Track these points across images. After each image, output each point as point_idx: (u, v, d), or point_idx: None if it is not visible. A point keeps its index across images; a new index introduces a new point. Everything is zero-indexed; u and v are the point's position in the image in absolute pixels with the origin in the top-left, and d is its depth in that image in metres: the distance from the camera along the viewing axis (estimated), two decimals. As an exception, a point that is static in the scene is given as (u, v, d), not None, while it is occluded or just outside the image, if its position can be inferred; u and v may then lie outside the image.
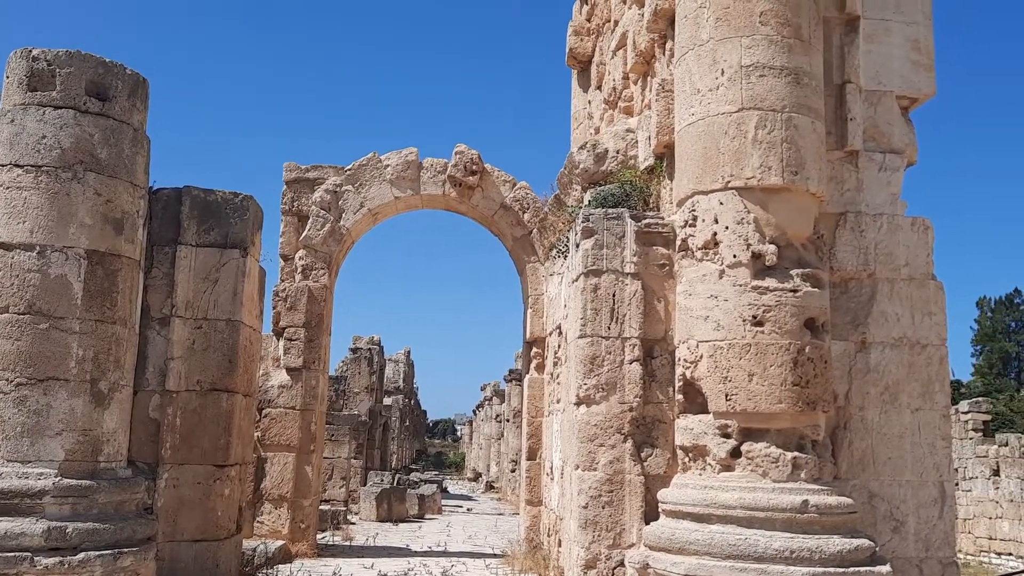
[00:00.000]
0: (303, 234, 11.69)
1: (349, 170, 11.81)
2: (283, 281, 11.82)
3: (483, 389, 44.38)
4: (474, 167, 11.63)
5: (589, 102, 12.95)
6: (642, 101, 9.87)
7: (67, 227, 6.99)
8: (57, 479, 6.64)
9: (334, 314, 12.54)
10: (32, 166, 6.99)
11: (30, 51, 7.20)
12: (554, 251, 9.83)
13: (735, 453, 6.48)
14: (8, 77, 7.27)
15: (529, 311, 12.03)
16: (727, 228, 6.80)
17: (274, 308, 11.60)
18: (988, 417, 25.22)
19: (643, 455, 7.39)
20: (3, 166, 7.05)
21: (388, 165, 11.74)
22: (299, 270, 11.66)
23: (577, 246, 7.94)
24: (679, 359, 7.04)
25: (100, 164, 7.17)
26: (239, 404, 8.78)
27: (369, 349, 23.86)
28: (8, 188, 7.02)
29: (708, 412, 6.67)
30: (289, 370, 11.61)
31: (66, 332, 6.88)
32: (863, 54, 7.73)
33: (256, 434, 11.18)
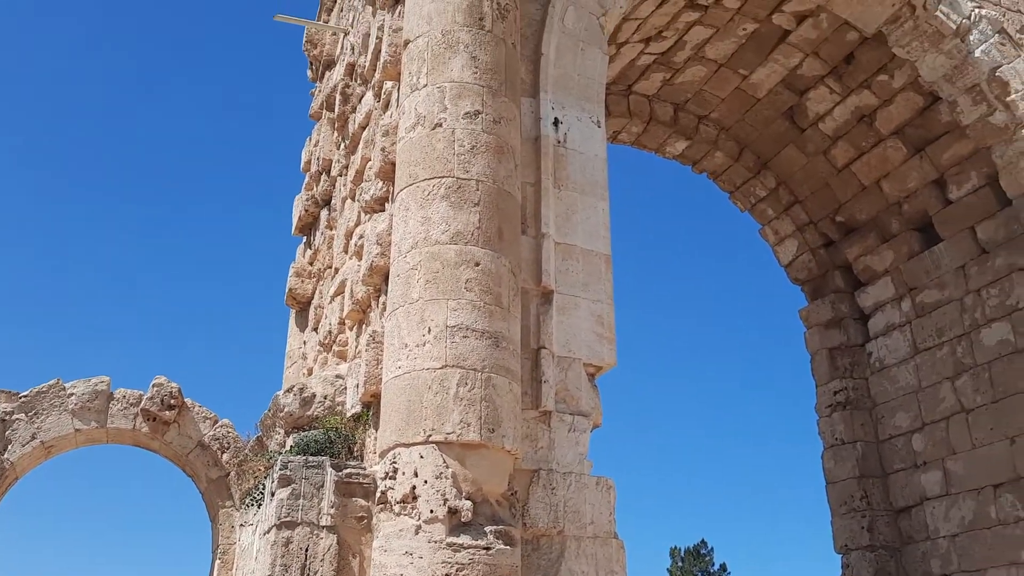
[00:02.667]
0: (-46, 466, 10.08)
1: (25, 397, 10.59)
2: (-83, 522, 9.98)
3: (162, 649, 38.95)
4: (172, 401, 10.92)
5: (304, 342, 12.93)
6: (356, 348, 10.02)
7: None
8: None
9: (-21, 563, 10.63)
10: None
11: None
12: (249, 498, 9.26)
13: None
14: None
15: (218, 562, 10.99)
16: (426, 482, 6.85)
17: None
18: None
19: None
20: None
21: (73, 394, 10.70)
22: (-60, 509, 9.93)
23: (273, 495, 7.55)
24: (371, 621, 6.70)
25: None
26: None
27: (22, 603, 20.27)
28: None
29: None
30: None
31: None
32: (556, 324, 8.47)
33: None
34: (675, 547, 56.26)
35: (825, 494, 14.09)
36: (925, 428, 12.96)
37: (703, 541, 56.43)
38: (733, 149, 14.57)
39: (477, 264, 7.55)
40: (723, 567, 55.46)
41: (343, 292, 10.80)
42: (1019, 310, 11.82)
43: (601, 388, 8.77)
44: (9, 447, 10.34)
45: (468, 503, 6.80)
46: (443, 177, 7.78)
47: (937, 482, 12.64)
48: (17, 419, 10.49)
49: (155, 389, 11.00)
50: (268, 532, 7.36)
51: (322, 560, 7.11)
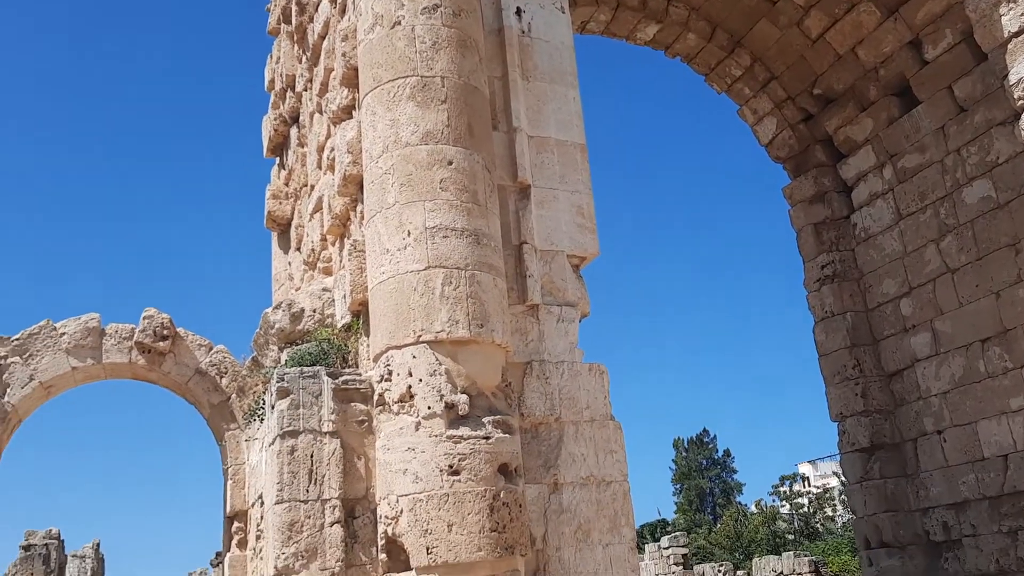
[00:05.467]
0: (-43, 415, 10.19)
1: (17, 340, 10.62)
2: (-71, 471, 10.13)
3: (191, 578, 40.19)
4: (165, 332, 10.97)
5: (289, 263, 12.92)
6: (340, 262, 10.01)
7: None
8: None
9: (-4, 506, 10.89)
10: None
11: None
12: (251, 415, 9.41)
13: (438, 609, 6.34)
14: None
15: (230, 482, 11.24)
16: (421, 381, 6.94)
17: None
18: (687, 551, 27.13)
19: (347, 625, 7.00)
20: None
21: (65, 333, 10.73)
22: (-51, 457, 10.08)
23: (273, 407, 7.66)
24: (381, 516, 6.89)
25: None
26: None
27: (46, 545, 20.81)
28: None
29: (411, 568, 6.52)
30: (-68, 578, 9.77)
31: None
32: (536, 218, 8.45)
33: None
34: (678, 438, 57.62)
35: (819, 366, 14.36)
36: (912, 292, 13.11)
37: (705, 430, 57.72)
38: (705, 29, 14.27)
39: (450, 163, 7.47)
40: (727, 452, 56.97)
41: (321, 208, 10.72)
42: (999, 165, 11.81)
43: (587, 279, 8.82)
44: (8, 390, 10.42)
45: (464, 397, 6.91)
46: (407, 76, 7.63)
47: (926, 343, 12.87)
48: (12, 362, 10.54)
49: (146, 321, 11.03)
50: (272, 443, 7.50)
51: (328, 464, 7.27)
